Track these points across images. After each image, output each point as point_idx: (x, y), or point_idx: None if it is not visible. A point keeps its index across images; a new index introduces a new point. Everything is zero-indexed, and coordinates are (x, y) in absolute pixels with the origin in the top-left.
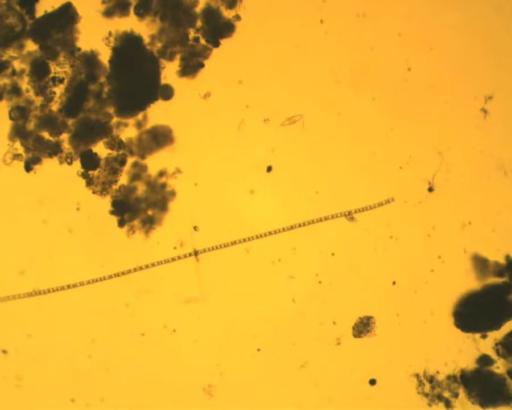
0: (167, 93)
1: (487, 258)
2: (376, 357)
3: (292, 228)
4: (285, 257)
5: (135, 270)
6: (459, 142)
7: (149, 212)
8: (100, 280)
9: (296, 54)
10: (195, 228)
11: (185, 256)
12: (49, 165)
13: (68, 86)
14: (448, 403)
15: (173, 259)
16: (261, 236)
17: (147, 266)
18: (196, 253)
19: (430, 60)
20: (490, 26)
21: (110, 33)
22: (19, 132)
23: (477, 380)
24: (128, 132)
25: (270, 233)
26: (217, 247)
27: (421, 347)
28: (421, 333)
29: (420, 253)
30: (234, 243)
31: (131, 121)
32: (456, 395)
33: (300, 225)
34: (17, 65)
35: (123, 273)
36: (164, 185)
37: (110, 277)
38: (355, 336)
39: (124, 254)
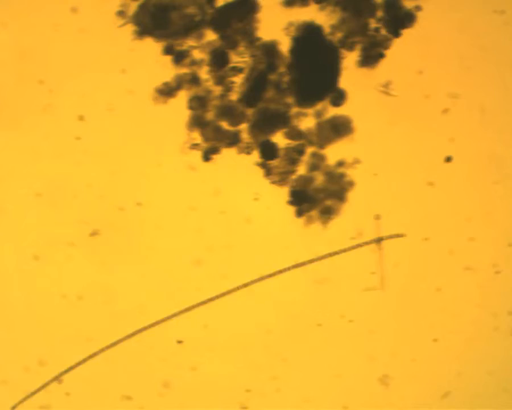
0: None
1: None
2: None
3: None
4: (462, 247)
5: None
6: None
7: (328, 202)
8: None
9: (476, 45)
10: (377, 216)
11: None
12: (228, 155)
13: (248, 76)
14: None
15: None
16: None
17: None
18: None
19: None
20: None
21: (290, 23)
22: (197, 122)
23: None
24: (308, 122)
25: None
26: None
27: None
28: None
29: None
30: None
31: (310, 111)
32: None
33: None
34: (196, 54)
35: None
36: (342, 175)
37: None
38: None
39: (301, 244)
